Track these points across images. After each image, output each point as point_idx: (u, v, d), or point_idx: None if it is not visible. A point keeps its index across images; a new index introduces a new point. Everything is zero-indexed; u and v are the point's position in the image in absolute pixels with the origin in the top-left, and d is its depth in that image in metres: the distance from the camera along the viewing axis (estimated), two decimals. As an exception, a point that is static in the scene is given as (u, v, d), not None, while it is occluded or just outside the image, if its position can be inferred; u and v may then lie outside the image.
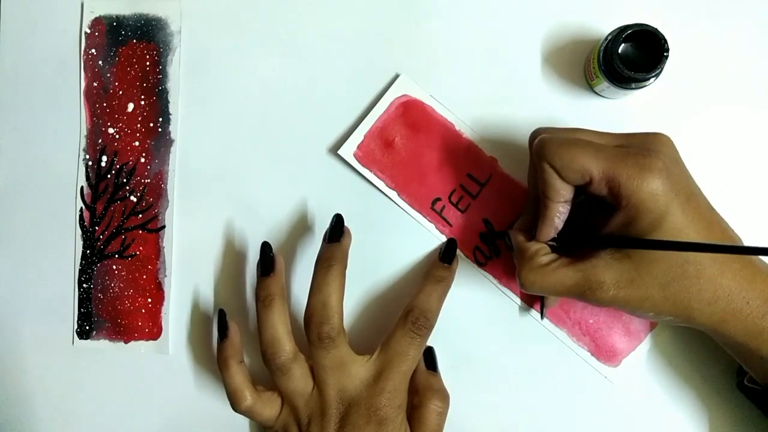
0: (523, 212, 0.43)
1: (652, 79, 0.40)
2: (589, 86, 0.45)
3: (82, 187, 0.49)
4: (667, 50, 0.39)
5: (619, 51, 0.40)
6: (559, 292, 0.37)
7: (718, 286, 0.35)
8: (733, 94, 0.44)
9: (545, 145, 0.36)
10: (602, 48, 0.40)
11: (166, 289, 0.48)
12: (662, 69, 0.39)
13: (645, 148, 0.36)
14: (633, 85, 0.41)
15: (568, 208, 0.38)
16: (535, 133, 0.39)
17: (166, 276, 0.48)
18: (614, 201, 0.35)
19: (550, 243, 0.39)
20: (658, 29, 0.39)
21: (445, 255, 0.44)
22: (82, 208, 0.49)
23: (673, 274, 0.35)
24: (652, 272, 0.35)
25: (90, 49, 0.49)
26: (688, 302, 0.35)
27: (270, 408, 0.42)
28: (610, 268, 0.36)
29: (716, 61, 0.44)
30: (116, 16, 0.49)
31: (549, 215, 0.38)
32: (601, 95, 0.45)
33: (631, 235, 0.35)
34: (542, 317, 0.45)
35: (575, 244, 0.38)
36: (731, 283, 0.35)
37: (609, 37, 0.40)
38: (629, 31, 0.39)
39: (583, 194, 0.37)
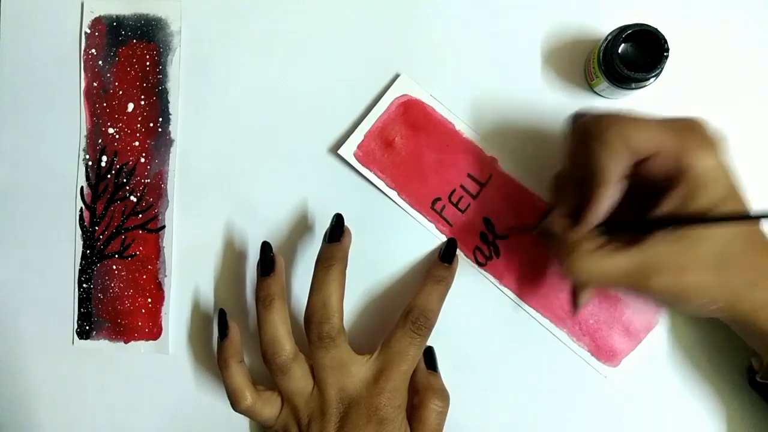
0: (558, 202, 0.40)
1: (652, 79, 0.40)
2: (589, 86, 0.45)
3: (82, 187, 0.49)
4: (667, 50, 0.39)
5: (619, 51, 0.40)
6: (612, 279, 0.35)
7: (761, 268, 0.35)
8: (734, 94, 0.44)
9: (604, 120, 0.35)
10: (602, 48, 0.40)
11: (166, 289, 0.48)
12: (662, 69, 0.39)
13: (693, 128, 0.35)
14: (633, 85, 0.41)
15: (620, 189, 0.36)
16: (580, 113, 0.38)
17: (166, 276, 0.48)
18: (675, 176, 0.34)
19: (598, 229, 0.37)
20: (658, 29, 0.39)
21: (445, 255, 0.44)
22: (82, 208, 0.49)
23: (725, 255, 0.34)
24: (705, 255, 0.34)
25: (90, 49, 0.49)
26: (737, 288, 0.35)
27: (270, 407, 0.42)
28: (666, 251, 0.34)
29: (716, 61, 0.44)
30: (116, 16, 0.49)
31: (601, 197, 0.35)
32: (601, 95, 0.45)
33: (687, 209, 0.34)
34: (575, 312, 0.43)
35: (627, 228, 0.36)
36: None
37: (609, 37, 0.40)
38: (629, 31, 0.39)
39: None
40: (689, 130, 0.34)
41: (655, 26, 0.39)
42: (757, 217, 0.32)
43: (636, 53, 0.40)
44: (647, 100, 0.44)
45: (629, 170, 0.35)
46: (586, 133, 0.35)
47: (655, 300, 0.40)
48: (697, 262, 0.34)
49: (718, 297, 0.35)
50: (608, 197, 0.35)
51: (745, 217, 0.33)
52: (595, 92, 0.45)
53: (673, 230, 0.34)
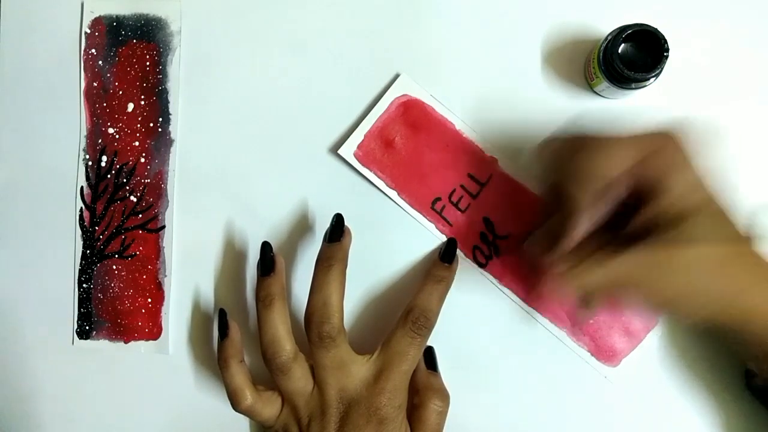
0: (542, 221, 0.41)
1: (652, 79, 0.40)
2: (589, 86, 0.45)
3: (82, 187, 0.49)
4: (667, 50, 0.39)
5: (619, 51, 0.40)
6: (588, 295, 0.36)
7: (748, 275, 0.35)
8: (734, 93, 0.44)
9: (567, 151, 0.36)
10: (602, 48, 0.40)
11: (166, 289, 0.48)
12: (662, 69, 0.39)
13: (658, 145, 0.35)
14: (633, 86, 0.41)
15: (595, 213, 0.37)
16: (548, 143, 0.39)
17: (166, 276, 0.48)
18: (640, 198, 0.35)
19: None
20: (658, 29, 0.39)
21: (445, 255, 0.44)
22: (82, 208, 0.49)
23: (702, 267, 0.35)
24: (680, 268, 0.35)
25: (90, 49, 0.49)
26: (717, 294, 0.35)
27: (270, 407, 0.42)
28: (640, 266, 0.35)
29: (716, 61, 0.44)
30: (116, 16, 0.49)
31: (574, 226, 0.37)
32: (601, 95, 0.45)
33: (654, 233, 0.35)
34: (580, 323, 0.44)
35: (601, 246, 0.37)
36: (747, 276, 0.35)
37: (609, 37, 0.40)
38: (629, 31, 0.39)
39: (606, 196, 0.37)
40: (656, 146, 0.35)
41: (655, 26, 0.39)
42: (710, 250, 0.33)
43: (636, 53, 0.40)
44: (647, 100, 0.44)
45: (600, 195, 0.36)
46: (555, 162, 0.37)
47: (636, 308, 0.42)
48: (672, 275, 0.35)
49: (700, 304, 0.36)
50: (582, 224, 0.36)
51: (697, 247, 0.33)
52: (595, 92, 0.45)
53: (646, 247, 0.35)
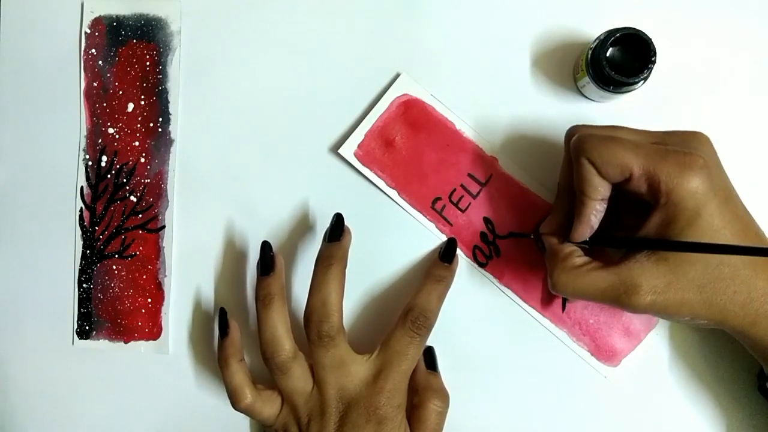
0: (551, 212, 0.42)
1: (640, 83, 0.40)
2: (578, 89, 0.45)
3: (82, 187, 0.49)
4: (655, 54, 0.39)
5: (608, 54, 0.40)
6: (591, 295, 0.36)
7: (752, 287, 0.35)
8: (723, 96, 0.44)
9: (585, 141, 0.36)
10: (590, 51, 0.40)
11: (166, 289, 0.48)
12: (650, 73, 0.39)
13: (684, 146, 0.35)
14: (622, 89, 0.40)
15: (605, 206, 0.37)
16: (572, 131, 0.39)
17: (166, 276, 0.48)
18: (652, 199, 0.35)
19: (582, 245, 0.38)
20: (646, 33, 0.39)
21: (445, 254, 0.44)
22: (82, 208, 0.49)
23: (709, 276, 0.35)
24: (688, 275, 0.35)
25: (90, 49, 0.49)
26: (723, 305, 0.35)
27: (270, 406, 0.42)
28: (646, 271, 0.35)
29: (705, 64, 0.45)
30: (116, 16, 0.49)
31: (586, 213, 0.37)
32: (588, 98, 0.44)
33: (668, 235, 0.35)
34: (563, 309, 0.45)
35: (610, 245, 0.37)
36: (765, 284, 0.35)
37: (597, 41, 0.40)
38: (617, 35, 0.39)
39: (615, 193, 0.37)
40: (673, 153, 0.34)
41: (643, 30, 0.39)
42: (730, 250, 0.32)
43: (624, 57, 0.40)
44: (636, 104, 0.44)
45: (611, 190, 0.36)
46: (575, 150, 0.37)
47: (638, 314, 0.42)
48: (679, 282, 0.35)
49: (702, 315, 0.35)
50: (591, 216, 0.37)
51: (718, 248, 0.33)
52: (583, 95, 0.44)
53: (654, 252, 0.35)
